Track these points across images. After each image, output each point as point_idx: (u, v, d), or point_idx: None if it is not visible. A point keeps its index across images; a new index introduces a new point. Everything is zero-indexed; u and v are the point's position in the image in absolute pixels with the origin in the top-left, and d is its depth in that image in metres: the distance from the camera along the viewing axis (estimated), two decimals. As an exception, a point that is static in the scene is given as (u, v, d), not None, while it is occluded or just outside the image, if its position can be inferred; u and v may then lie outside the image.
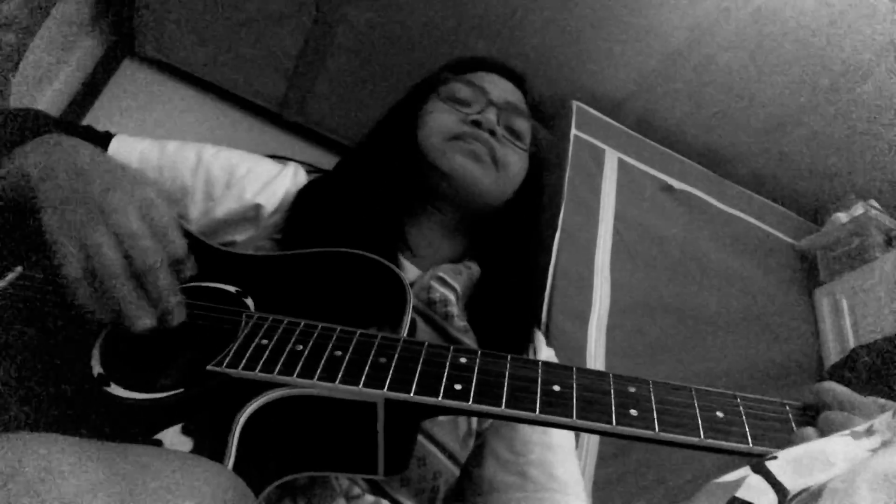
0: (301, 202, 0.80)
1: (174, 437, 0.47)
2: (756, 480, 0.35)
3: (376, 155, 0.87)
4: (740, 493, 0.34)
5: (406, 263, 0.80)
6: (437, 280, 0.77)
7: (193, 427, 0.47)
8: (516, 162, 0.86)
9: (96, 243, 0.49)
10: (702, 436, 0.47)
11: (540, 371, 0.51)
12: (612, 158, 1.54)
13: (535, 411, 0.48)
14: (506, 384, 0.50)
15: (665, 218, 1.52)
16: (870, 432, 0.38)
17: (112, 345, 0.55)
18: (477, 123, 0.83)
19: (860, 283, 1.48)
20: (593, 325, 1.28)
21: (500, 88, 0.89)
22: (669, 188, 1.56)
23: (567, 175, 1.43)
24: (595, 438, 1.18)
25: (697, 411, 0.48)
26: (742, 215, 1.64)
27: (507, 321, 0.80)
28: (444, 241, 0.86)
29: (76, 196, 0.51)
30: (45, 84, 1.54)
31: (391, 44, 1.56)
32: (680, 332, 1.39)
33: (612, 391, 0.49)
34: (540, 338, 0.88)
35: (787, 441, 0.46)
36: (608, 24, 1.46)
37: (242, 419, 0.47)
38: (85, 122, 1.64)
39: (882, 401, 0.47)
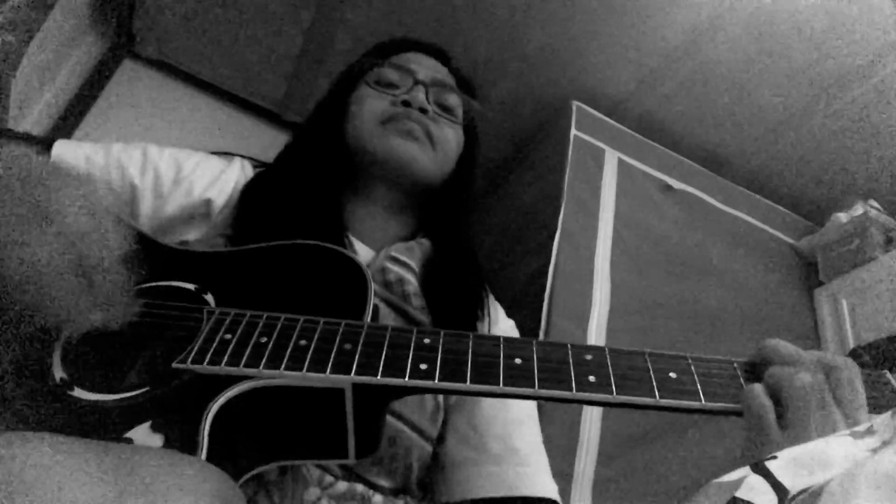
0: (246, 196, 0.80)
1: (144, 435, 0.46)
2: (756, 480, 0.35)
3: (308, 147, 0.88)
4: (740, 493, 0.34)
5: (358, 246, 0.80)
6: (391, 260, 0.78)
7: (163, 424, 0.47)
8: (451, 137, 0.88)
9: (36, 243, 0.48)
10: (657, 396, 0.49)
11: (502, 346, 0.52)
12: (612, 158, 1.54)
13: (499, 385, 0.49)
14: (469, 361, 0.51)
15: (665, 218, 1.52)
16: (870, 432, 0.38)
17: (73, 348, 0.54)
18: (407, 103, 0.84)
19: (860, 283, 1.49)
20: (593, 326, 1.28)
21: (425, 66, 0.90)
22: (669, 188, 1.56)
23: (567, 175, 1.43)
24: (595, 438, 1.18)
25: (652, 374, 0.50)
26: (742, 215, 1.65)
27: (459, 292, 0.81)
28: (391, 221, 0.86)
29: (18, 196, 0.50)
30: (45, 84, 1.54)
31: (391, 44, 1.56)
32: (680, 332, 1.39)
33: (571, 360, 0.51)
34: (499, 309, 0.88)
35: (737, 397, 0.49)
36: (608, 24, 1.46)
37: (211, 413, 0.47)
38: (85, 122, 1.65)
39: (821, 354, 0.49)
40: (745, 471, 0.36)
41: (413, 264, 0.78)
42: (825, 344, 1.51)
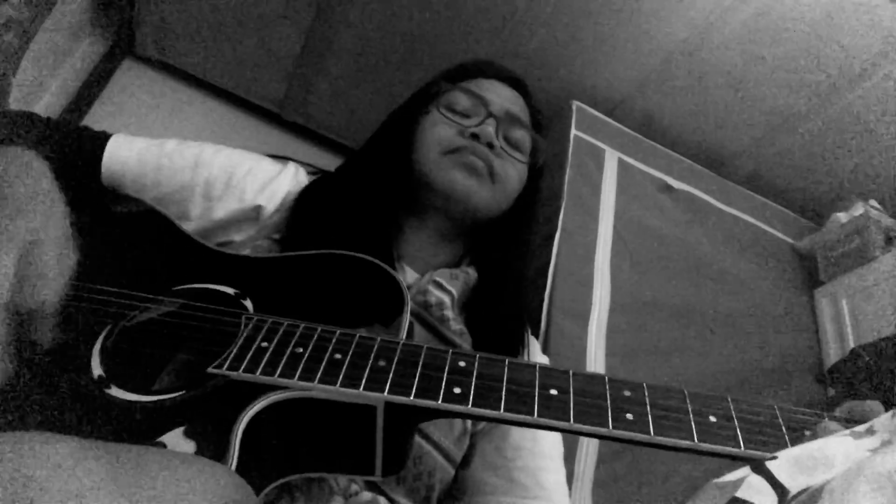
0: (303, 203, 0.80)
1: (177, 440, 0.47)
2: (756, 480, 0.35)
3: (372, 164, 0.87)
4: (740, 493, 0.34)
5: (404, 267, 0.80)
6: (434, 284, 0.78)
7: (196, 429, 0.48)
8: (514, 175, 0.86)
9: None
10: (696, 440, 0.47)
11: (537, 374, 0.51)
12: (612, 158, 1.54)
13: (532, 415, 0.48)
14: (504, 387, 0.50)
15: (665, 218, 1.52)
16: (870, 432, 0.38)
17: (112, 346, 0.55)
18: (475, 136, 0.82)
19: (860, 283, 1.48)
20: (593, 325, 1.28)
21: (500, 97, 0.87)
22: (669, 188, 1.56)
23: (567, 175, 1.43)
24: (595, 439, 1.18)
25: (691, 416, 0.49)
26: (742, 215, 1.64)
27: (502, 325, 0.81)
28: (441, 247, 0.86)
29: None
30: (45, 84, 1.54)
31: (391, 44, 1.56)
32: (680, 331, 1.39)
33: (608, 395, 0.50)
34: (535, 345, 0.88)
35: (778, 445, 0.47)
36: (608, 24, 1.46)
37: (244, 421, 0.47)
38: (85, 122, 1.64)
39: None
40: (745, 471, 0.36)
41: (454, 291, 0.78)
42: (825, 344, 1.51)
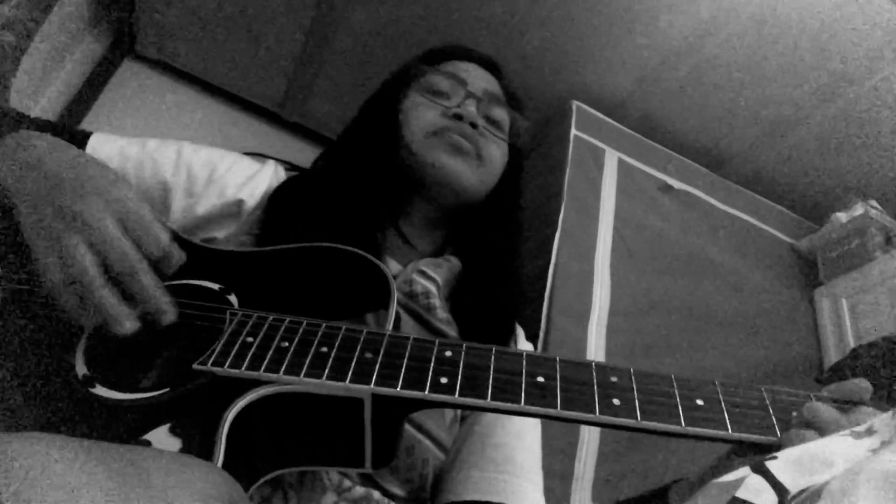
0: (278, 199, 0.80)
1: (162, 438, 0.46)
2: (756, 480, 0.35)
3: (357, 152, 0.86)
4: (740, 493, 0.34)
5: (387, 259, 0.80)
6: (419, 273, 0.77)
7: (181, 427, 0.47)
8: (498, 154, 0.85)
9: (70, 251, 0.49)
10: (683, 424, 0.47)
11: (524, 363, 0.51)
12: (612, 158, 1.54)
13: (519, 403, 0.48)
14: (491, 377, 0.50)
15: (665, 218, 1.52)
16: (870, 432, 0.38)
17: (96, 345, 0.54)
18: (458, 117, 0.82)
19: (860, 283, 1.49)
20: (593, 325, 1.28)
21: (477, 78, 0.88)
22: (669, 188, 1.56)
23: (567, 175, 1.43)
24: (595, 439, 1.18)
25: (678, 400, 0.49)
26: (742, 215, 1.64)
27: (490, 313, 0.80)
28: (424, 236, 0.85)
29: (49, 201, 0.51)
30: (45, 84, 1.54)
31: (391, 44, 1.56)
32: (679, 331, 1.39)
33: (595, 381, 0.50)
34: (519, 331, 0.87)
35: (765, 428, 0.47)
36: (608, 24, 1.46)
37: (230, 417, 0.47)
38: (85, 122, 1.65)
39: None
40: (745, 471, 0.36)
41: (439, 279, 0.78)
42: (825, 344, 1.51)
